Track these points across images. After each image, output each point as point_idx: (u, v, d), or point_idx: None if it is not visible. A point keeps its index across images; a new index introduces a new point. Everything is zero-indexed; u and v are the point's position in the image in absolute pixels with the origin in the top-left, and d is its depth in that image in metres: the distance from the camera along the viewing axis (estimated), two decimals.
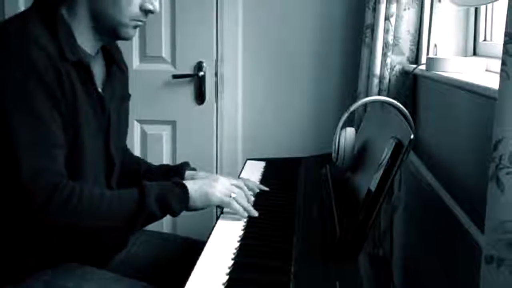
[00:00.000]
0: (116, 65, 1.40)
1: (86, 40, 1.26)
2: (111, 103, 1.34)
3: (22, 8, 2.36)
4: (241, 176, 1.67)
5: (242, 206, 1.32)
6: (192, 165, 1.58)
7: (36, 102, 1.14)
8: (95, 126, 1.28)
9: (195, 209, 1.30)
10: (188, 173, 1.53)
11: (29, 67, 1.14)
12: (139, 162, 1.62)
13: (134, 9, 1.25)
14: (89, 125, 1.25)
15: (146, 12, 1.27)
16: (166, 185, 1.27)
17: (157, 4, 1.29)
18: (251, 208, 1.33)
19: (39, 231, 1.19)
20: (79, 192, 1.16)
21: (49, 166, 1.15)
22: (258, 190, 1.53)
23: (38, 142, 1.15)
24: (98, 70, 1.32)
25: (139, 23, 1.28)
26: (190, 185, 1.28)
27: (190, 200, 1.27)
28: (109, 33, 1.28)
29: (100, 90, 1.31)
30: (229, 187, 1.35)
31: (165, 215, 1.24)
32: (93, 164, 1.28)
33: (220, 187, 1.32)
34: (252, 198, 1.43)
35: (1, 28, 1.21)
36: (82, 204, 1.16)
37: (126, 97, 1.49)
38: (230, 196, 1.32)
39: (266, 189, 1.54)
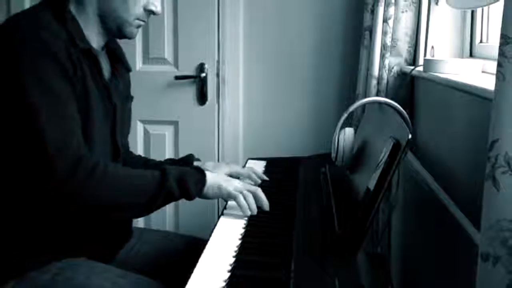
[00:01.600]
0: (122, 64, 1.46)
1: (92, 36, 1.32)
2: (116, 97, 1.37)
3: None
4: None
5: (248, 204, 1.34)
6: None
7: (50, 77, 1.17)
8: (102, 114, 1.31)
9: (206, 197, 1.34)
10: (195, 163, 1.59)
11: (41, 46, 1.18)
12: (147, 159, 1.68)
13: (139, 8, 1.32)
14: (98, 112, 1.29)
15: (149, 12, 1.34)
16: (186, 168, 1.33)
17: (159, 7, 1.36)
18: (255, 208, 1.35)
19: (62, 206, 1.20)
20: (103, 166, 1.20)
21: (71, 139, 1.18)
22: (259, 181, 1.60)
23: (57, 115, 1.17)
24: (104, 65, 1.36)
25: (142, 22, 1.35)
26: (208, 173, 1.34)
27: (205, 186, 1.31)
28: (114, 30, 1.34)
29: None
30: (244, 185, 1.38)
31: (182, 197, 1.29)
32: (101, 149, 1.31)
33: (235, 183, 1.36)
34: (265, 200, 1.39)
35: (12, 18, 1.26)
36: (106, 177, 1.20)
37: (129, 98, 1.52)
38: (241, 193, 1.34)
39: (267, 179, 1.63)
